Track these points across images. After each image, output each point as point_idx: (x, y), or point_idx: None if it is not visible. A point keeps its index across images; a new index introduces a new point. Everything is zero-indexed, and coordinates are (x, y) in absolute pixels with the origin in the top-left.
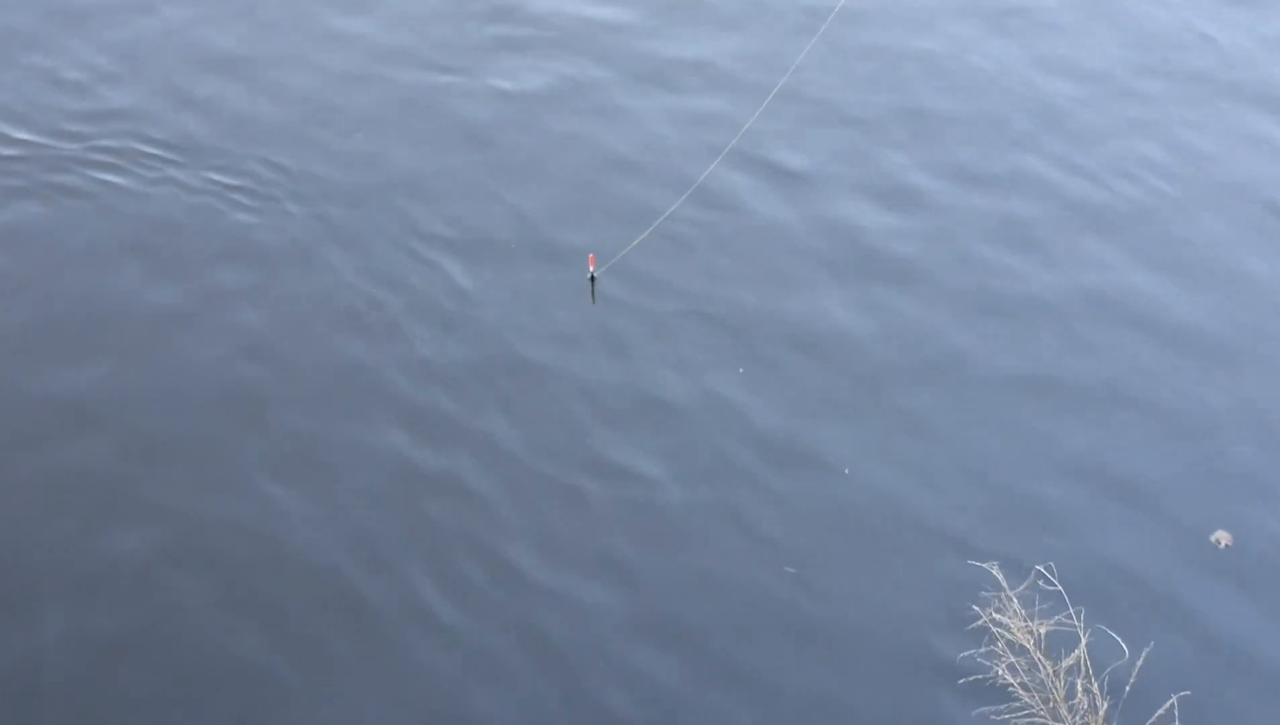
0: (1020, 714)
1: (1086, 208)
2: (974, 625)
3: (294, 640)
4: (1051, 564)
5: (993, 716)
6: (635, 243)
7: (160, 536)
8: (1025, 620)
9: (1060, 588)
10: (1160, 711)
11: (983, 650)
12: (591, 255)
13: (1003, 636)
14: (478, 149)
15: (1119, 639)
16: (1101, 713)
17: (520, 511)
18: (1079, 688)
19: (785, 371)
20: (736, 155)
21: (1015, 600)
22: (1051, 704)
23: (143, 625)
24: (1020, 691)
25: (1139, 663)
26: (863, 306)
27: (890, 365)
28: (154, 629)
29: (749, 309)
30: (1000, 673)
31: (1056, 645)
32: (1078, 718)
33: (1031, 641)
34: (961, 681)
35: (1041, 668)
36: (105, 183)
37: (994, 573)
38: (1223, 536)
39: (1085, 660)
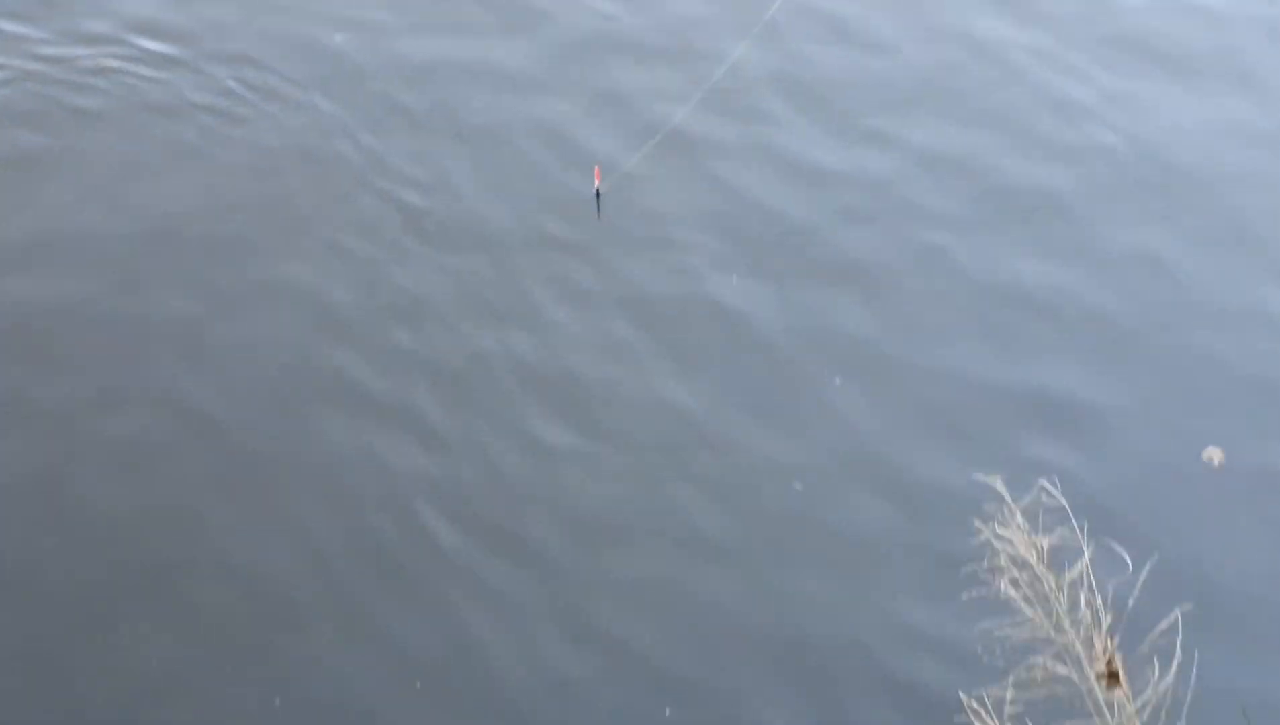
0: (1023, 628)
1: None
2: (976, 541)
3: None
4: (1055, 478)
5: (995, 631)
6: (642, 153)
7: None
8: (1028, 535)
9: (1064, 501)
10: (1163, 625)
11: (985, 565)
12: (597, 167)
13: (1005, 551)
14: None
15: (1123, 552)
16: (1105, 625)
17: None
18: (1082, 601)
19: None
20: None
21: (1018, 514)
22: (1055, 617)
23: None
24: (1023, 605)
25: (1142, 576)
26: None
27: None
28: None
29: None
30: (1003, 587)
31: (1060, 560)
32: (1081, 631)
33: (1034, 556)
34: (965, 597)
35: (1044, 582)
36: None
37: (997, 487)
38: (1215, 454)
39: (1088, 574)
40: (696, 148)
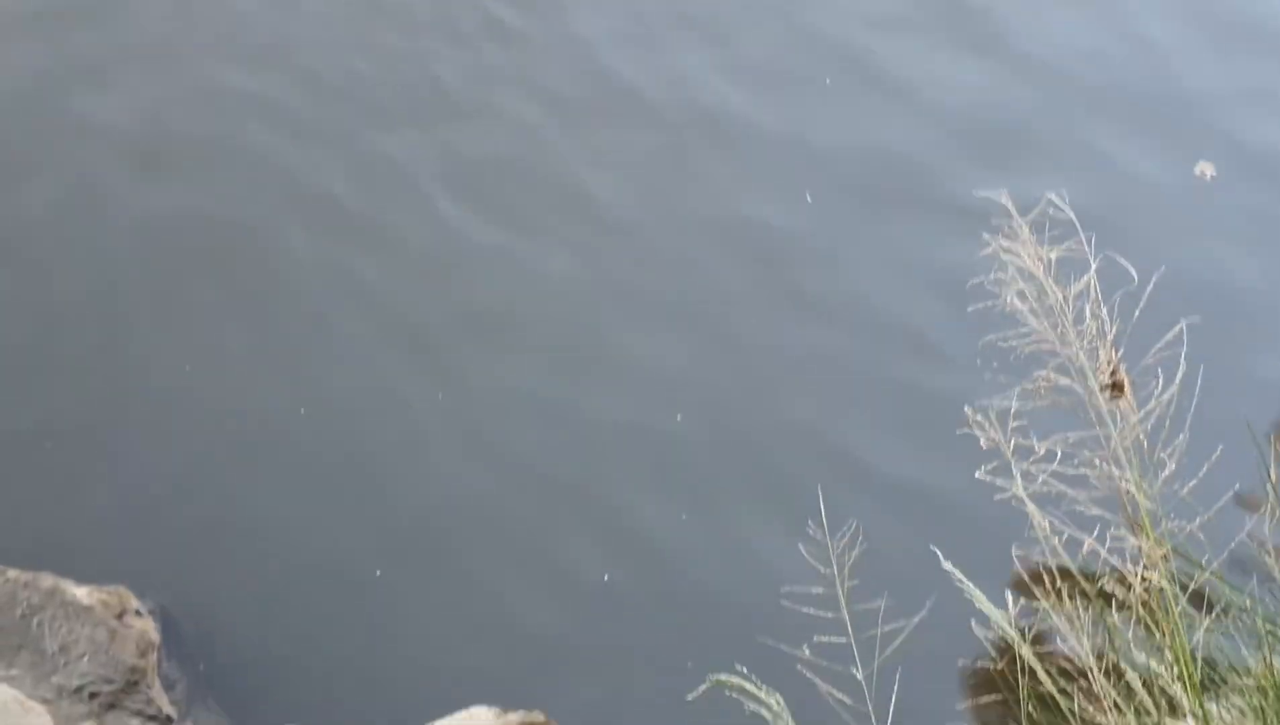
0: (1028, 339)
1: None
2: (983, 253)
3: None
4: (1063, 191)
5: (1000, 343)
6: None
7: None
8: (1035, 247)
9: (1071, 214)
10: (1169, 336)
11: (991, 278)
12: None
13: (1012, 264)
14: None
15: (1128, 264)
16: (1110, 337)
17: None
18: (1088, 312)
19: None
20: None
21: (1025, 227)
22: (1060, 329)
23: None
24: (1029, 317)
25: (1148, 288)
26: None
27: None
28: None
29: None
30: (1009, 300)
31: (1067, 274)
32: (1086, 342)
33: (1041, 268)
34: (970, 309)
35: (1050, 293)
36: None
37: (1003, 200)
38: (1206, 168)
39: (1094, 286)
40: None
